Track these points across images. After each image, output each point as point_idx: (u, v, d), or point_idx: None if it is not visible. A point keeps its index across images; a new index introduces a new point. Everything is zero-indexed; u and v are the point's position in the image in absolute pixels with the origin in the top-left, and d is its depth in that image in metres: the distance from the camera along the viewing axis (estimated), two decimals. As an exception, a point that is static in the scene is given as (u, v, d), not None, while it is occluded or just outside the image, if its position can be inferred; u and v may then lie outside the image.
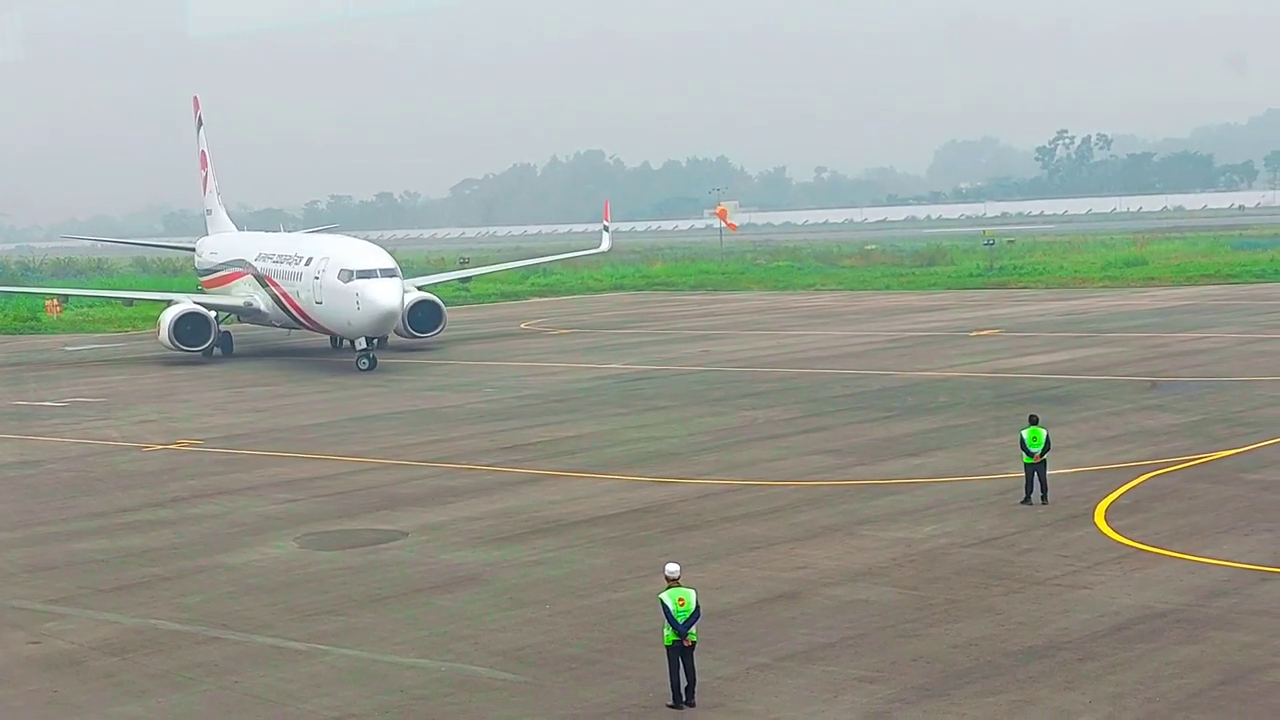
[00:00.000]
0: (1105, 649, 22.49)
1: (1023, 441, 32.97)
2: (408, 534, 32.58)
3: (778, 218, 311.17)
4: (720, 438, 43.97)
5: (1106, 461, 37.32)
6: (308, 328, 71.28)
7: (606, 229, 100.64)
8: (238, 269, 79.51)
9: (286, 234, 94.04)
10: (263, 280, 74.49)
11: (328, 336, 74.61)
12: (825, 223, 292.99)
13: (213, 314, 72.79)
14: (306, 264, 68.57)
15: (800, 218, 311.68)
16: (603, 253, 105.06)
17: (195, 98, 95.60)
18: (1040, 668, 21.78)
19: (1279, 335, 65.48)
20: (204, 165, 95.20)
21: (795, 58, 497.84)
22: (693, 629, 20.75)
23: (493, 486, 37.71)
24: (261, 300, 74.38)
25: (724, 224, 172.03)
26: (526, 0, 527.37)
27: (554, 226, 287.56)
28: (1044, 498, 32.60)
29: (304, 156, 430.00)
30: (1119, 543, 29.01)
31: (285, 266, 71.46)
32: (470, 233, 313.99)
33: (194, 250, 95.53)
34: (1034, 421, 33.34)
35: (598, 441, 44.22)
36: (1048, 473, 33.00)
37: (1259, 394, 48.00)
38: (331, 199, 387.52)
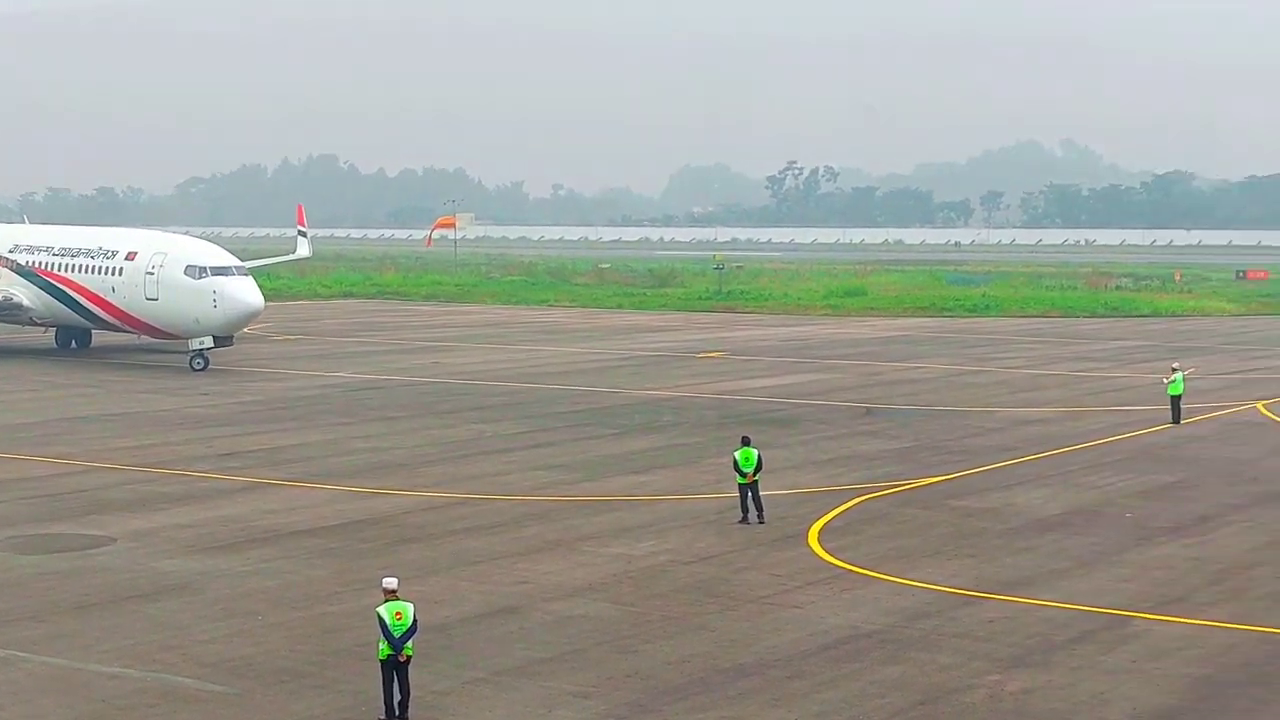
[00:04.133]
0: (813, 667, 23.08)
1: (735, 462, 33.66)
2: (116, 540, 31.54)
3: (514, 232, 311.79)
4: (447, 450, 43.76)
5: (822, 484, 38.32)
6: (123, 326, 67.89)
7: (303, 234, 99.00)
8: None
9: (44, 227, 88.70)
10: (28, 274, 70.74)
11: (83, 332, 71.53)
12: (561, 239, 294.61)
13: None
14: (128, 259, 66.00)
15: (536, 233, 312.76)
16: (304, 259, 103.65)
17: None
18: (750, 685, 22.23)
19: (987, 368, 68.28)
20: None
21: (534, 72, 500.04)
22: (409, 643, 20.58)
23: (208, 494, 36.79)
24: (25, 295, 70.63)
25: (434, 232, 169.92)
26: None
27: (283, 230, 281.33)
28: (760, 517, 33.30)
29: (19, 147, 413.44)
30: (830, 563, 29.82)
31: (84, 260, 68.28)
32: (196, 232, 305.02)
33: None
34: (746, 443, 34.02)
35: (320, 451, 43.53)
36: (761, 492, 33.75)
37: (966, 423, 49.95)
38: (49, 191, 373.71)
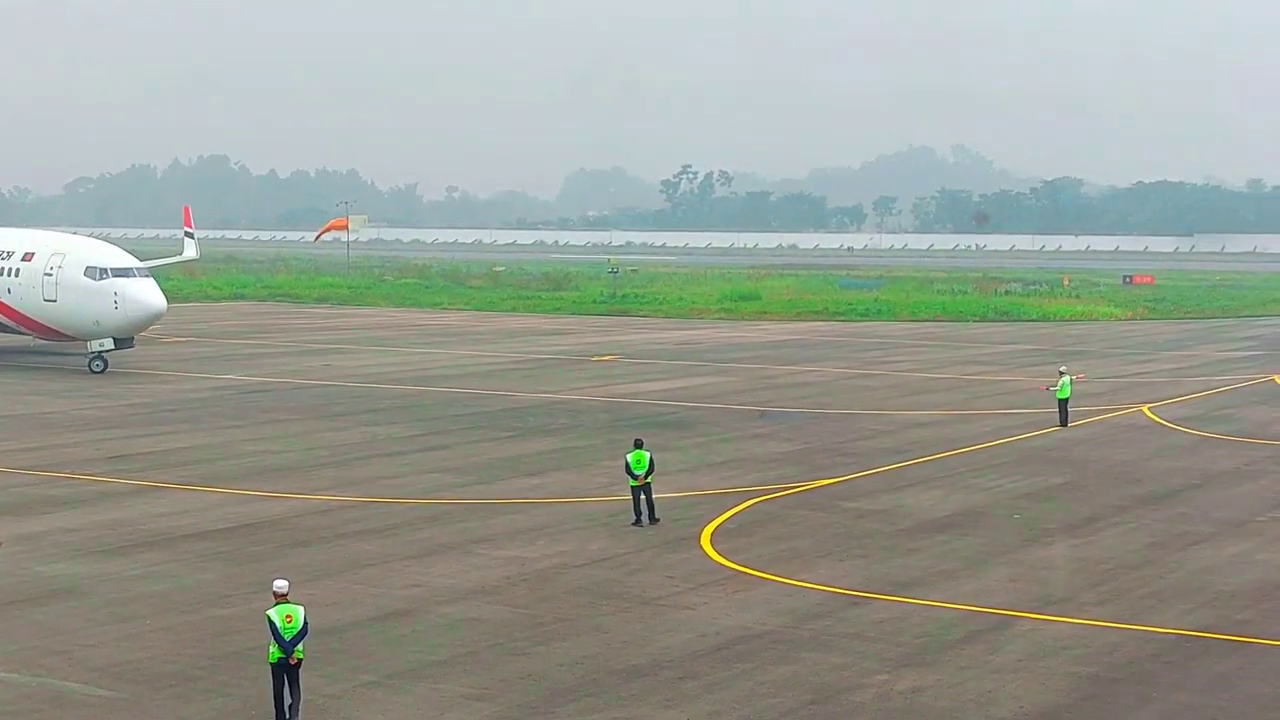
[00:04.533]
0: (705, 668, 23.23)
1: (628, 465, 33.80)
2: (1, 544, 30.97)
3: (407, 234, 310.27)
4: (339, 453, 43.46)
5: (715, 486, 38.52)
6: (19, 328, 66.29)
7: (190, 235, 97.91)
8: None
9: None
10: None
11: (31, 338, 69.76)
12: (455, 242, 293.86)
13: None
14: (25, 260, 64.95)
15: (430, 236, 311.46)
16: (192, 260, 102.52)
17: None
18: (642, 686, 22.33)
19: (879, 371, 69.00)
20: None
21: (428, 73, 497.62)
22: (299, 646, 20.44)
23: (95, 497, 36.25)
24: None
25: (339, 232, 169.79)
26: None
27: (173, 231, 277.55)
28: (652, 518, 33.45)
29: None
30: (722, 565, 30.00)
31: None
32: (85, 233, 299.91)
33: None
34: (638, 445, 34.17)
35: (211, 454, 43.05)
36: (654, 495, 33.90)
37: (859, 426, 50.45)
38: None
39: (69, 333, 64.71)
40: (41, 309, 64.36)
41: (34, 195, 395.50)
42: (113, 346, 63.50)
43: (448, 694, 21.85)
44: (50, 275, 63.76)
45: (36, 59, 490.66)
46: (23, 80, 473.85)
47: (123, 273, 63.61)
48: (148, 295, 63.61)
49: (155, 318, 64.96)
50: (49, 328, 65.25)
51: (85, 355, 63.97)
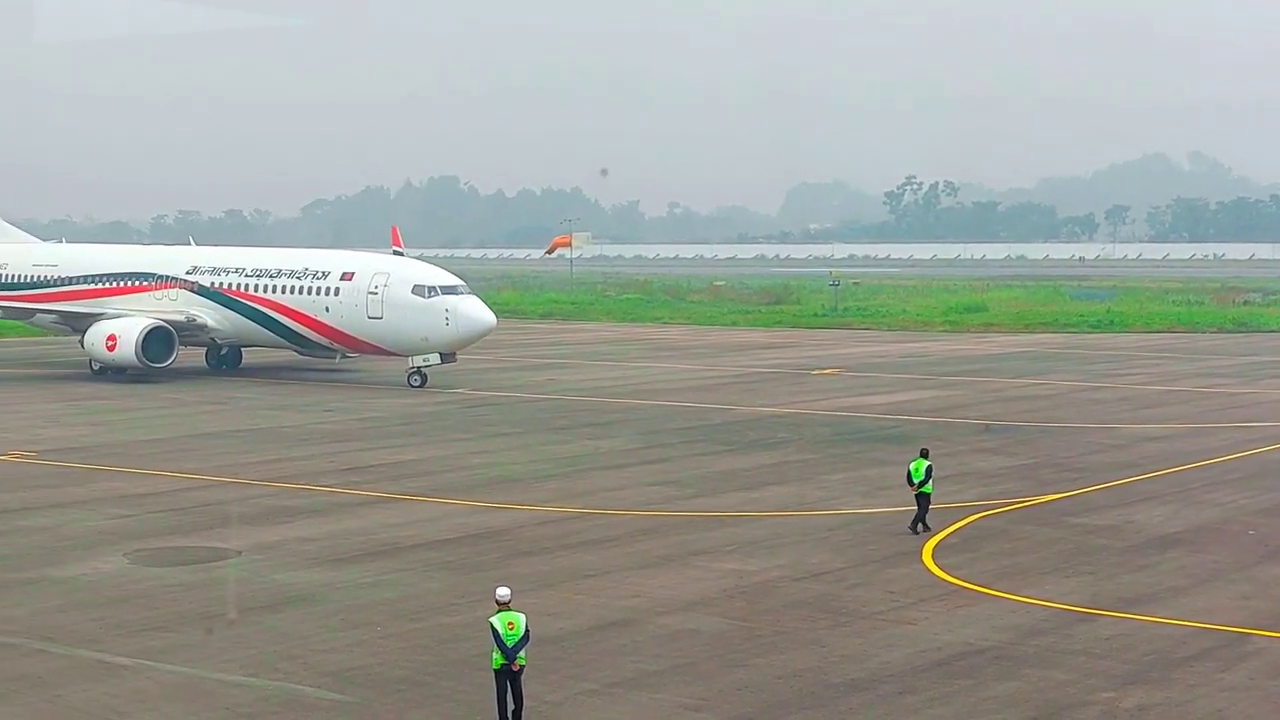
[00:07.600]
0: (925, 683, 23.04)
1: (909, 473, 34.14)
2: (241, 552, 32.26)
3: (629, 250, 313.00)
4: (562, 465, 44.14)
5: (938, 501, 37.82)
6: (334, 345, 68.61)
7: (399, 255, 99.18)
8: (141, 283, 74.25)
9: (222, 250, 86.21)
10: (213, 295, 71.46)
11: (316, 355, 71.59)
12: (676, 258, 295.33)
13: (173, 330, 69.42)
14: (344, 279, 67.51)
15: (652, 251, 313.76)
16: None
17: None
18: (860, 700, 22.25)
19: (1111, 384, 67.42)
20: None
21: (648, 91, 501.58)
22: (521, 653, 20.88)
23: (330, 508, 37.46)
24: (210, 316, 71.30)
25: (564, 249, 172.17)
26: (378, 21, 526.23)
27: (407, 250, 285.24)
28: (919, 525, 33.80)
29: (150, 170, 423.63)
30: (944, 580, 29.71)
31: (288, 281, 69.41)
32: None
33: None
34: (923, 455, 34.34)
35: (439, 466, 44.12)
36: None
37: (1088, 441, 49.39)
38: (180, 214, 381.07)
39: (393, 349, 66.54)
40: (365, 326, 66.34)
41: (273, 217, 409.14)
42: (438, 362, 65.33)
43: (666, 704, 22.08)
44: (375, 293, 65.79)
45: (278, 86, 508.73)
46: (259, 105, 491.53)
47: (451, 290, 65.52)
48: (479, 311, 65.46)
49: (485, 332, 66.46)
50: (371, 344, 67.20)
51: (405, 371, 65.55)
